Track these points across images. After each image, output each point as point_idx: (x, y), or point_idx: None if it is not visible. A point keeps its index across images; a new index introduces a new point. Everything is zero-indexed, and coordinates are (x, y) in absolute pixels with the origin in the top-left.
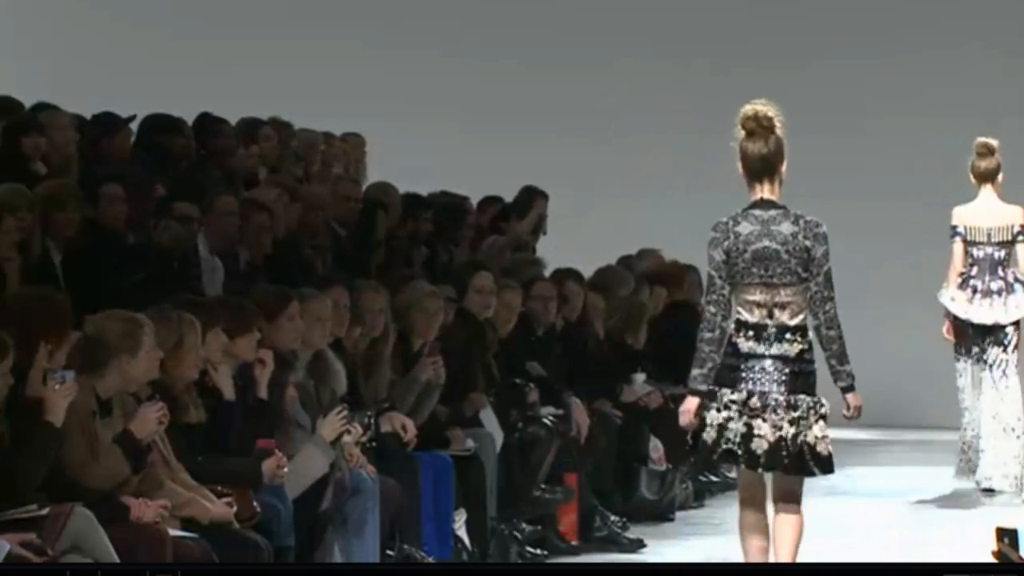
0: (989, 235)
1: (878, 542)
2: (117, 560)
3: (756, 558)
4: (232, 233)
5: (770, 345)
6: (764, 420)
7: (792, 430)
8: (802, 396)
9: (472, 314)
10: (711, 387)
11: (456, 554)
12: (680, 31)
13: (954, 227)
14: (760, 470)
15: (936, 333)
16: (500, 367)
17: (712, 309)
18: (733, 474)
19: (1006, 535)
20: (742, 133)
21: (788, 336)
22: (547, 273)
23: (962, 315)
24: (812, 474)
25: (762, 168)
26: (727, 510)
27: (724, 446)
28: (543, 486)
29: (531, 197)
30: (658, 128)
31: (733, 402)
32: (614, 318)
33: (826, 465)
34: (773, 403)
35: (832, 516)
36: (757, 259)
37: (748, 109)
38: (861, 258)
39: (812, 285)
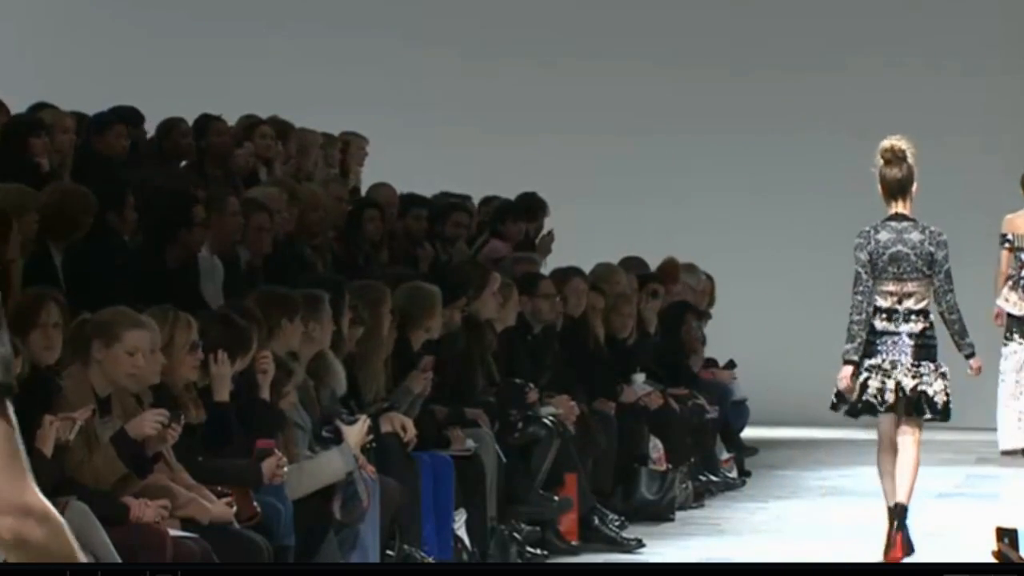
0: None
1: (878, 542)
2: (115, 555)
3: (889, 479)
4: (233, 233)
5: (900, 324)
6: (897, 380)
7: (914, 383)
8: (924, 362)
9: (473, 315)
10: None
11: (456, 554)
12: (682, 32)
13: (1004, 235)
14: (898, 415)
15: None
16: (500, 367)
17: (859, 298)
18: (733, 474)
19: (1006, 535)
20: (881, 162)
21: (914, 317)
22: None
23: (1017, 313)
24: (929, 416)
25: (897, 189)
26: (727, 510)
27: (870, 398)
28: (542, 492)
29: (536, 206)
30: (659, 128)
31: (876, 367)
32: (606, 311)
33: (944, 412)
34: (901, 367)
35: (832, 516)
36: (892, 260)
37: (886, 143)
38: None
39: (935, 281)
